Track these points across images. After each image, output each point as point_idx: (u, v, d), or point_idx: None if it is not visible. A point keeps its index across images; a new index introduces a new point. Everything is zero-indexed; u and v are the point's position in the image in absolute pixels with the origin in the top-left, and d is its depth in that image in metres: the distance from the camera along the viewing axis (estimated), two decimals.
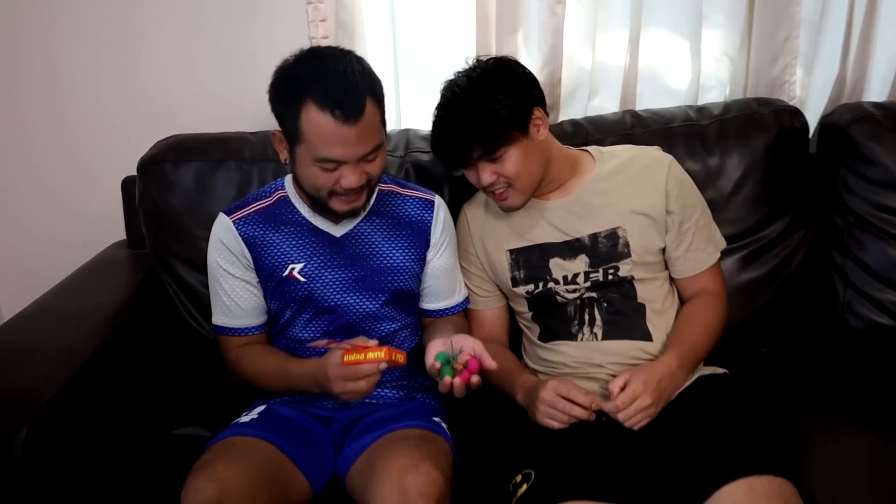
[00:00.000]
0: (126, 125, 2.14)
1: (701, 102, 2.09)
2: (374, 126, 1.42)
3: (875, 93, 2.12)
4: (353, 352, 1.36)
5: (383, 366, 1.34)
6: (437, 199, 1.69)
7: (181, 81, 2.11)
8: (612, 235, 1.63)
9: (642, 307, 1.63)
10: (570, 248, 1.65)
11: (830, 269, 1.95)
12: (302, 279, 1.56)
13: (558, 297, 1.65)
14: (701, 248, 1.67)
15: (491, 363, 1.40)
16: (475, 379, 1.38)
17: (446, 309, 1.71)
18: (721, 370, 1.64)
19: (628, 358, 1.60)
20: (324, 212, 1.55)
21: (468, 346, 1.40)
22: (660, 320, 1.64)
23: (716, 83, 2.13)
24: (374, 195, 1.61)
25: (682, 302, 1.69)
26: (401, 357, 1.36)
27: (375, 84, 1.44)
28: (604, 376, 1.59)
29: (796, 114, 1.93)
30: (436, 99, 1.60)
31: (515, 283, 1.69)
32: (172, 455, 1.62)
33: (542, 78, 2.00)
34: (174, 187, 1.84)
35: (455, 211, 1.76)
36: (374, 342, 1.40)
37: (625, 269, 1.63)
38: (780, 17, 2.03)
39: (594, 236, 1.64)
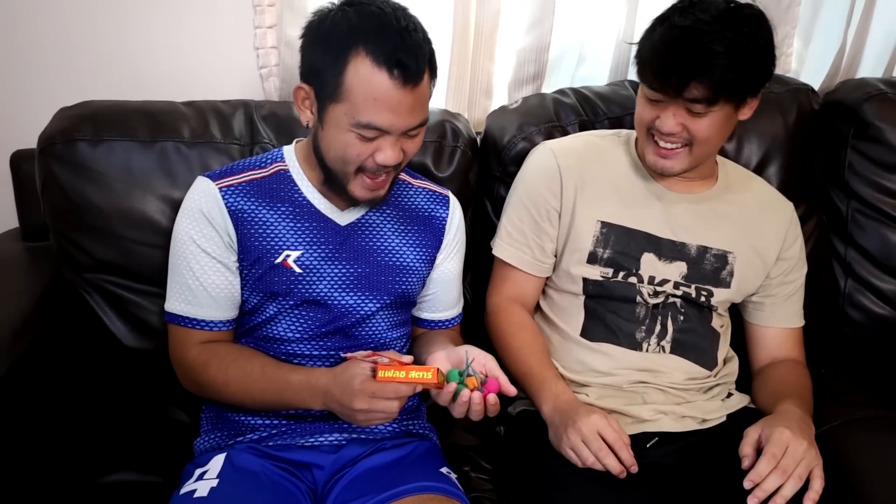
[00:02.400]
0: (13, 83, 1.73)
1: None
2: (426, 97, 1.26)
3: (868, 69, 2.03)
4: (389, 367, 1.15)
5: (419, 388, 1.17)
6: (452, 196, 1.51)
7: (85, 34, 1.72)
8: (722, 258, 1.48)
9: (716, 335, 1.51)
10: (671, 250, 1.46)
11: (831, 258, 1.87)
12: (297, 269, 1.34)
13: (638, 297, 1.45)
14: (796, 306, 1.56)
15: (510, 388, 1.21)
16: (492, 400, 1.19)
17: (446, 321, 1.53)
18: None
19: (686, 381, 1.45)
20: (337, 192, 1.33)
21: (480, 360, 1.22)
22: (722, 353, 1.52)
23: None
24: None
25: (752, 353, 1.57)
26: (443, 380, 1.19)
27: (433, 52, 1.26)
28: (651, 391, 1.43)
29: (812, 93, 1.82)
30: None
31: (593, 260, 1.45)
32: None
33: (529, 41, 1.82)
34: (93, 175, 1.49)
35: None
36: (408, 358, 1.23)
37: (719, 296, 1.48)
38: None
39: (704, 249, 1.47)
